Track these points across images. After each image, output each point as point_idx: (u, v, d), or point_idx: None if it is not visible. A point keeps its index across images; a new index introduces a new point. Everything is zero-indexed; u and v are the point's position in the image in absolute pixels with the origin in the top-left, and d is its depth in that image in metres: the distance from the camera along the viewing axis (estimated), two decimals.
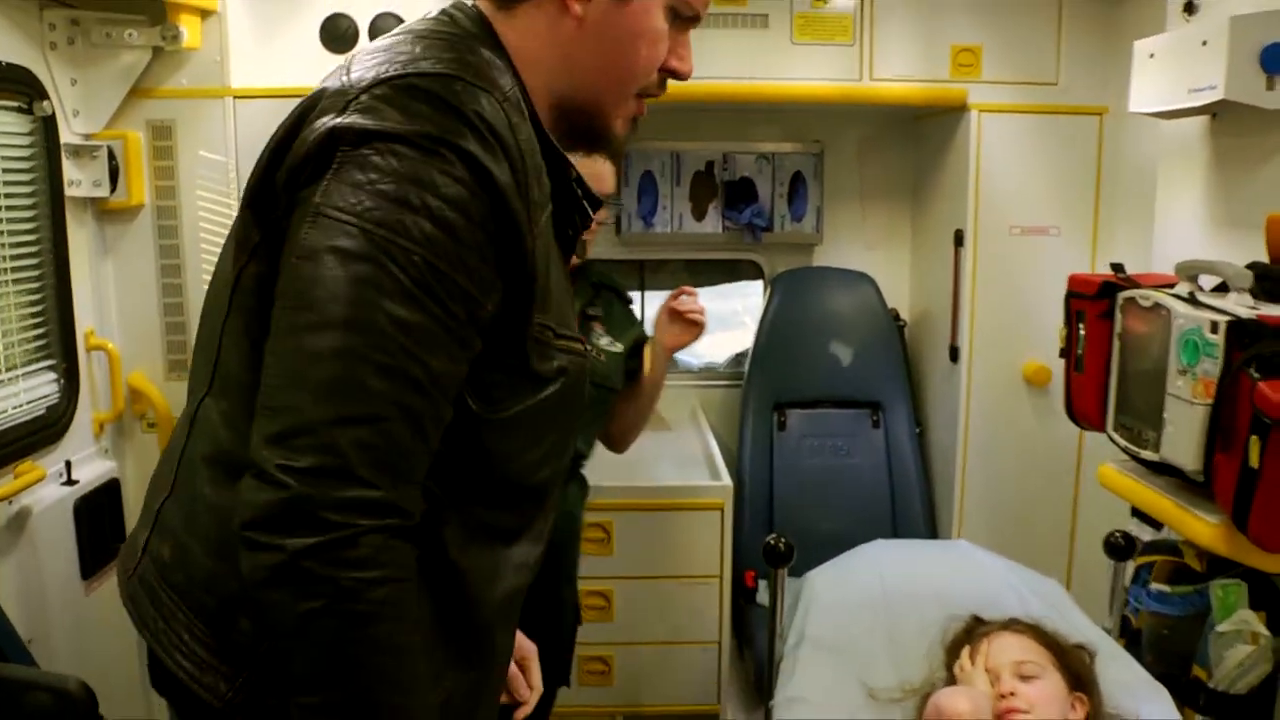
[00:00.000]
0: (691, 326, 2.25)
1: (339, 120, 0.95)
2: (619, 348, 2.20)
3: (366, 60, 1.01)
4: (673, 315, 2.25)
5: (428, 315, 0.92)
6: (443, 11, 1.12)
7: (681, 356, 5.24)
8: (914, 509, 3.39)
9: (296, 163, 0.97)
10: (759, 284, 3.82)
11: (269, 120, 1.08)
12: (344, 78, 1.00)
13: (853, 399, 3.51)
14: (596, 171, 1.93)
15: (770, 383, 3.54)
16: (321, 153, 0.95)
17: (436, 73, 0.97)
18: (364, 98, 0.95)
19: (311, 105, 1.00)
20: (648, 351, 2.29)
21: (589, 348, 1.18)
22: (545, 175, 1.05)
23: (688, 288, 2.28)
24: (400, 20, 2.71)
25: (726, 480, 2.81)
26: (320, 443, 0.88)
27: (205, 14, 2.60)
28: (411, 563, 0.94)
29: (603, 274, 2.35)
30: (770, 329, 3.57)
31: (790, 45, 3.08)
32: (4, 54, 2.25)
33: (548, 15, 1.10)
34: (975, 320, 3.23)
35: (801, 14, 3.06)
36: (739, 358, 3.93)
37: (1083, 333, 2.18)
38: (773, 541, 2.12)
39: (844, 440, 3.48)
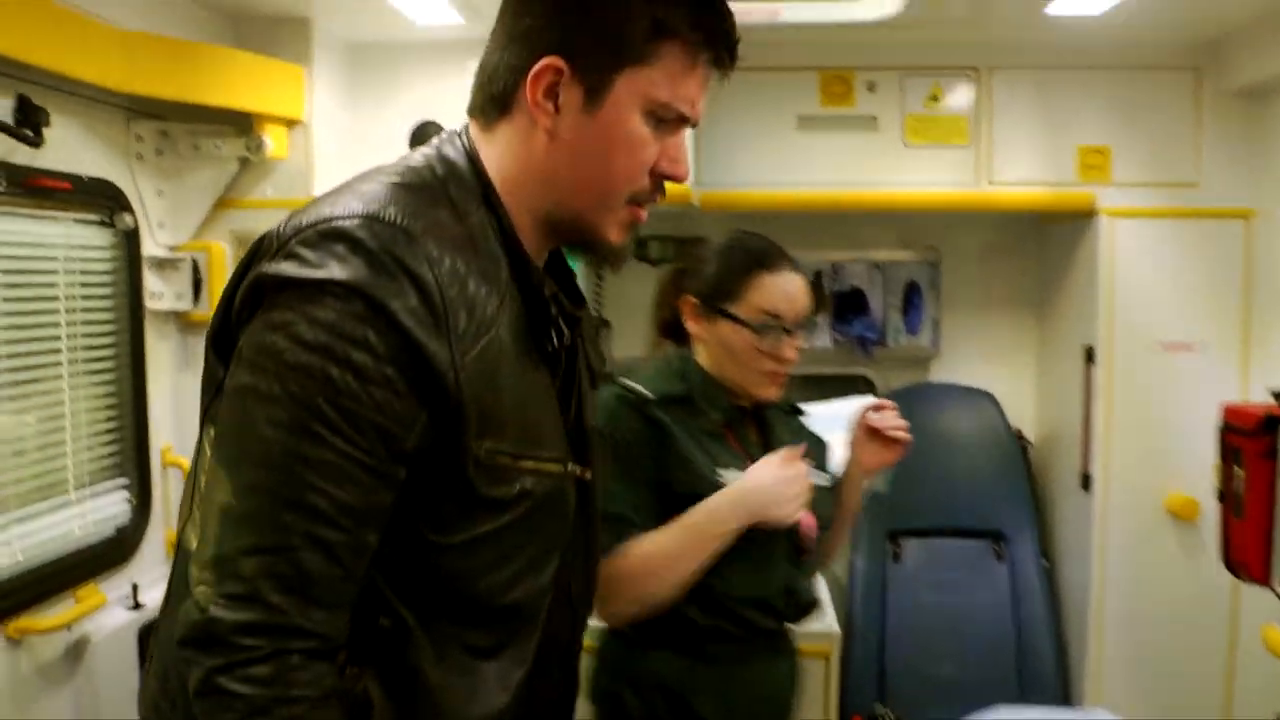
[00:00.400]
0: (893, 445, 1.89)
1: (266, 267, 0.99)
2: (826, 479, 1.86)
3: (317, 202, 1.05)
4: (871, 432, 1.90)
5: (336, 452, 0.95)
6: (436, 140, 1.14)
7: None
8: (1042, 657, 3.04)
9: (238, 305, 1.02)
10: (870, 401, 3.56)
11: None
12: (288, 221, 1.03)
13: (973, 528, 3.22)
14: (788, 290, 1.72)
15: (882, 510, 3.26)
16: (252, 297, 1.00)
17: (361, 215, 0.99)
18: (291, 243, 0.99)
19: (257, 249, 1.04)
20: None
21: (572, 467, 1.15)
22: (498, 298, 1.06)
23: (885, 400, 1.94)
24: None
25: (833, 625, 2.53)
26: (234, 571, 0.94)
27: (291, 124, 2.56)
28: (331, 683, 0.98)
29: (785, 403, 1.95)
30: None
31: (902, 148, 2.91)
32: (89, 167, 2.23)
33: (521, 133, 1.10)
34: (1110, 444, 2.93)
35: (914, 115, 2.89)
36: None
37: (1241, 473, 1.89)
38: (880, 715, 1.85)
39: (964, 574, 3.18)
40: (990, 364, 3.46)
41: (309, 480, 0.95)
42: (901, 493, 3.25)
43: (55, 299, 2.18)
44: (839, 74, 2.92)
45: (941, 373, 3.47)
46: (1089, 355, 2.95)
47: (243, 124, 2.48)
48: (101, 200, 2.28)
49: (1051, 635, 3.05)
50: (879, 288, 3.41)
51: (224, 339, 1.05)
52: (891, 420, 1.89)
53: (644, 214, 1.15)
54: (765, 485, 1.62)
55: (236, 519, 0.95)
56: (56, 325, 2.19)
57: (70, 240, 2.21)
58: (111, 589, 2.30)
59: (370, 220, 0.99)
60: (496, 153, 1.11)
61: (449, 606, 1.08)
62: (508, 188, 1.11)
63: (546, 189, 1.10)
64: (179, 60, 2.29)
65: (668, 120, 1.10)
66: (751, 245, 1.78)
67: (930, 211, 3.09)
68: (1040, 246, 3.41)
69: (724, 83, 1.16)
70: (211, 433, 1.02)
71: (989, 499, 3.23)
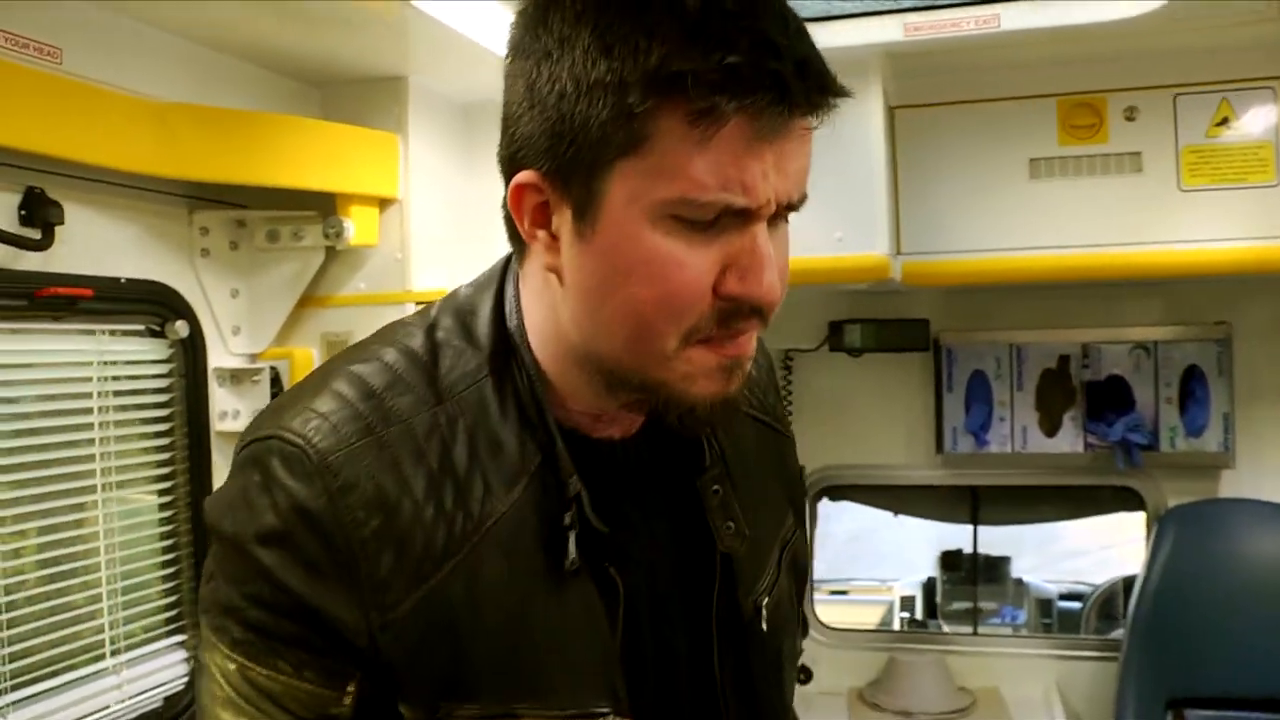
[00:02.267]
0: None
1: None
2: None
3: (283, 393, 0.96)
4: None
5: None
6: (493, 269, 0.96)
7: (1038, 584, 4.22)
8: None
9: None
10: (1138, 519, 2.78)
11: None
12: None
13: None
14: None
15: (1160, 667, 2.49)
16: None
17: (283, 440, 0.81)
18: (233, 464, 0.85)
19: None
20: None
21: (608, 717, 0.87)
22: (497, 494, 0.84)
23: None
24: None
25: None
26: None
27: (385, 203, 2.12)
28: None
29: None
30: (1158, 588, 2.53)
31: (1176, 193, 2.17)
32: (134, 267, 1.85)
33: (536, 274, 0.88)
34: None
35: (1193, 148, 2.15)
36: (1106, 609, 2.90)
37: None
38: None
39: None
40: None
41: None
42: (1186, 646, 2.48)
43: (89, 428, 1.80)
44: (1085, 100, 2.21)
45: (1237, 485, 2.64)
46: None
47: (328, 207, 2.07)
48: (147, 306, 1.89)
49: None
50: (1147, 376, 2.64)
51: None
52: None
53: (736, 349, 0.83)
54: None
55: None
56: (90, 460, 1.80)
57: (104, 357, 1.82)
58: None
59: (276, 441, 0.81)
60: (531, 305, 0.90)
61: None
62: (544, 344, 0.89)
63: (584, 342, 0.85)
64: (238, 135, 1.89)
65: (709, 221, 0.77)
66: None
67: (1216, 275, 2.29)
68: None
69: (825, 123, 0.78)
70: None
71: None
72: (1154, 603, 2.52)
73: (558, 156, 0.79)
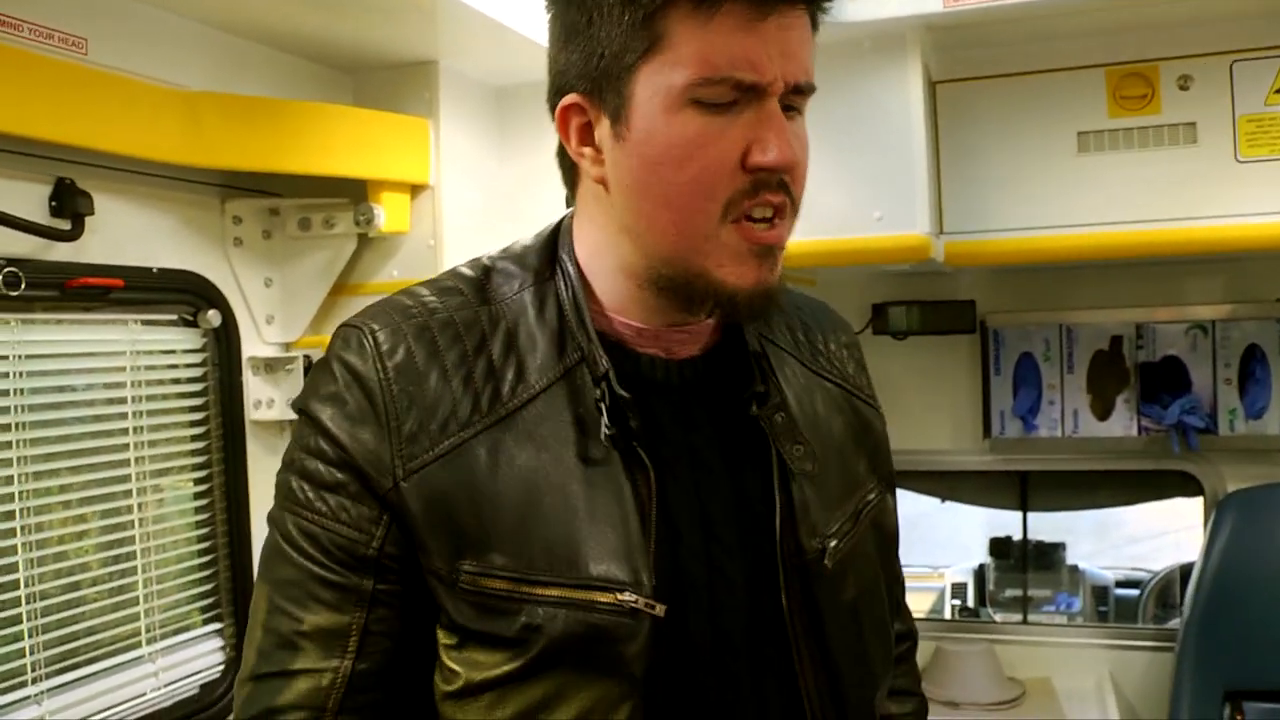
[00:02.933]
0: None
1: None
2: None
3: None
4: None
5: (297, 568, 0.92)
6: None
7: (1094, 571, 4.11)
8: None
9: None
10: (1195, 505, 2.68)
11: None
12: None
13: None
14: None
15: (1218, 658, 2.40)
16: None
17: (348, 325, 0.97)
18: None
19: None
20: None
21: (634, 599, 0.89)
22: (530, 385, 0.94)
23: None
24: None
25: None
26: (239, 698, 0.94)
27: (416, 190, 2.10)
28: None
29: None
30: (1217, 576, 2.44)
31: (1234, 164, 2.07)
32: (167, 257, 1.85)
33: (588, 195, 0.99)
34: None
35: (1250, 117, 2.05)
36: (1164, 597, 2.81)
37: None
38: None
39: None
40: None
41: (276, 603, 0.93)
42: (1245, 636, 2.39)
43: (122, 418, 1.80)
44: (1136, 69, 2.12)
45: None
46: None
47: (360, 194, 2.05)
48: (179, 295, 1.89)
49: None
50: (1204, 356, 2.54)
51: None
52: None
53: (766, 233, 0.91)
54: None
55: (245, 643, 0.96)
56: (124, 450, 1.80)
57: (137, 347, 1.83)
58: None
59: (348, 331, 0.96)
60: (582, 229, 1.01)
61: None
62: (591, 258, 0.99)
63: (632, 246, 0.95)
64: (268, 123, 1.88)
65: (726, 103, 0.88)
66: None
67: (1277, 250, 2.19)
68: None
69: (821, 21, 0.93)
70: None
71: None
72: (1211, 591, 2.43)
73: (591, 75, 0.91)
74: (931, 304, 2.65)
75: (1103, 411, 2.61)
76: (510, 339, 0.95)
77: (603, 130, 0.93)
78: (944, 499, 3.36)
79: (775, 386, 1.02)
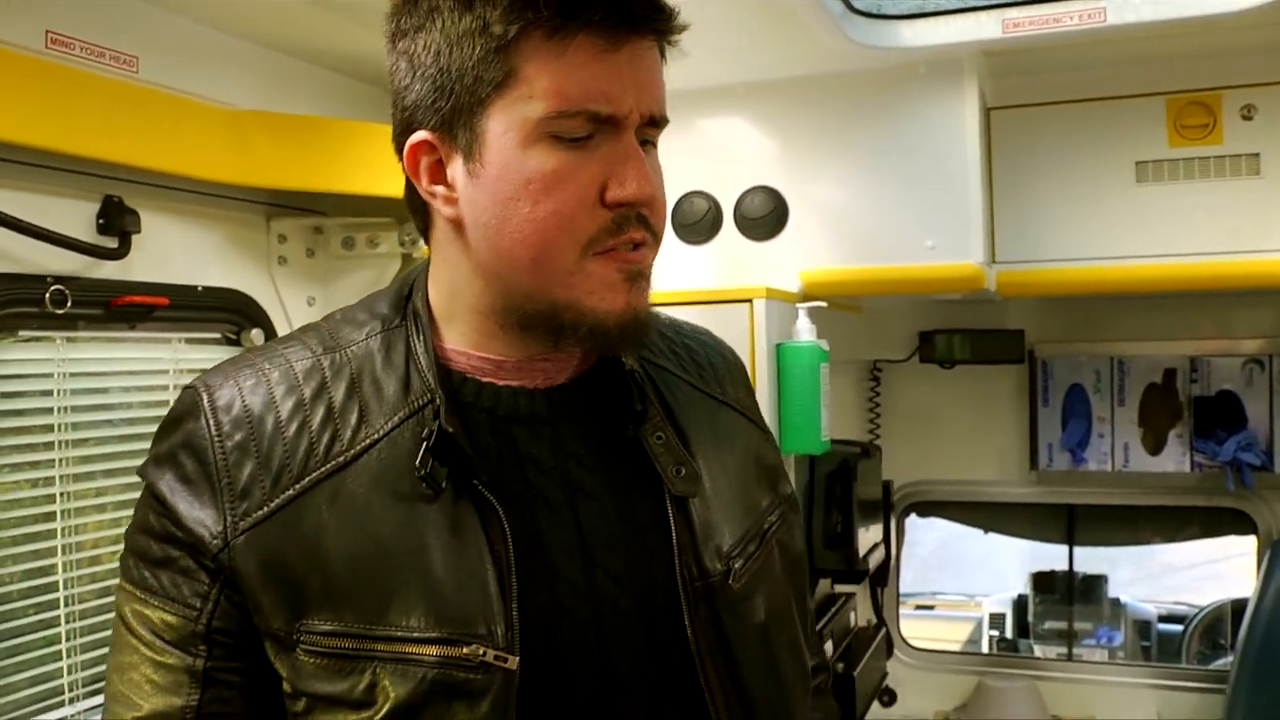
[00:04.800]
0: None
1: None
2: None
3: None
4: None
5: (135, 653, 0.89)
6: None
7: (1136, 604, 4.03)
8: None
9: None
10: (1248, 543, 2.62)
11: None
12: None
13: None
14: None
15: (1273, 703, 2.32)
16: None
17: (188, 386, 0.94)
18: None
19: None
20: None
21: (486, 653, 0.84)
22: (369, 431, 0.90)
23: None
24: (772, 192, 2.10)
25: None
26: None
27: None
28: None
29: None
30: (1272, 619, 2.36)
31: None
32: (211, 275, 1.84)
33: (441, 236, 0.94)
34: None
35: None
36: (1212, 634, 2.74)
37: None
38: None
39: None
40: None
41: (116, 688, 0.90)
42: None
43: None
44: (1198, 98, 2.08)
45: None
46: None
47: (404, 214, 2.03)
48: (223, 314, 1.88)
49: None
50: (1261, 391, 2.49)
51: None
52: None
53: (633, 253, 0.89)
54: None
55: None
56: None
57: (180, 365, 1.81)
58: None
59: (183, 389, 0.94)
60: (437, 271, 0.97)
61: None
62: (451, 302, 0.96)
63: (489, 285, 0.92)
64: (314, 141, 1.87)
65: (583, 137, 0.86)
66: None
67: None
68: None
69: (670, 44, 0.91)
70: None
71: None
72: (1265, 634, 2.36)
73: (441, 110, 0.88)
74: (980, 333, 2.61)
75: (1154, 446, 2.55)
76: (354, 385, 0.92)
77: (455, 168, 0.90)
78: (986, 530, 3.31)
79: (655, 407, 0.98)
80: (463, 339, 0.95)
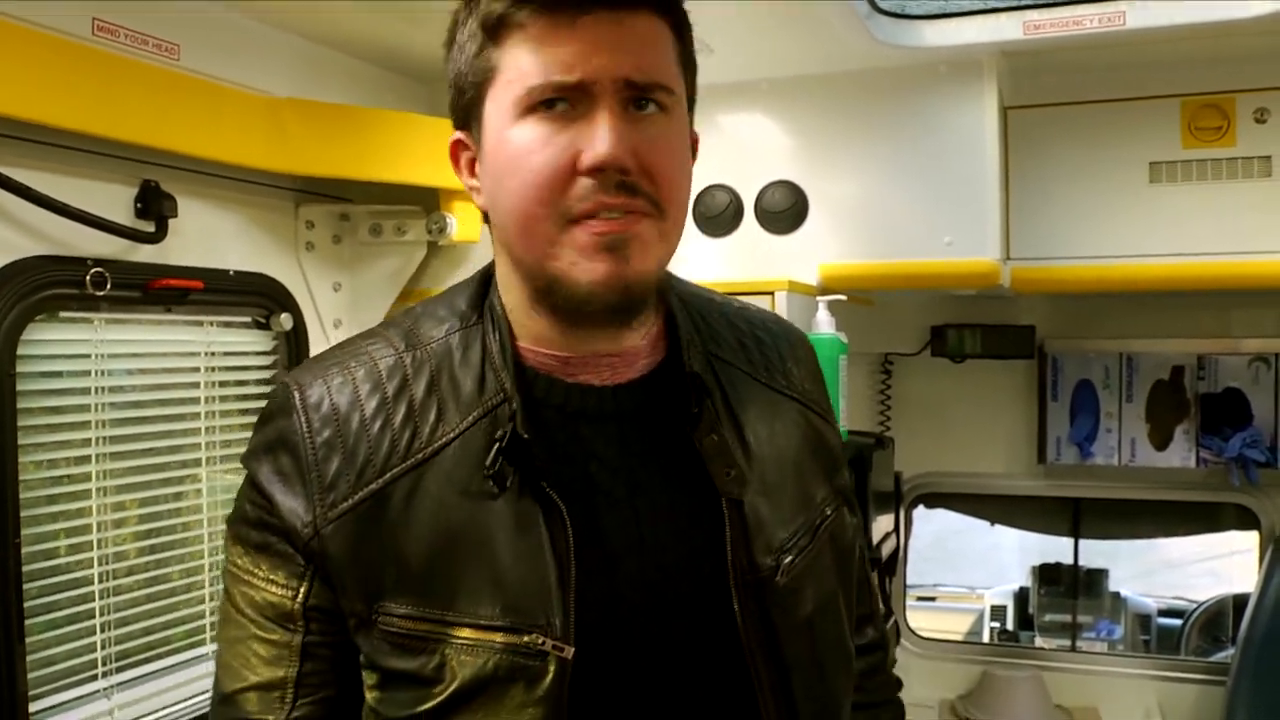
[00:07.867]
0: None
1: None
2: None
3: None
4: None
5: (239, 629, 0.98)
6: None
7: (1137, 598, 4.07)
8: None
9: None
10: (1249, 539, 2.66)
11: None
12: None
13: None
14: None
15: (1273, 699, 2.36)
16: None
17: (280, 381, 1.01)
18: None
19: None
20: None
21: (542, 641, 0.90)
22: (446, 428, 0.95)
23: None
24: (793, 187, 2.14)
25: None
26: None
27: None
28: None
29: None
30: (1274, 615, 2.40)
31: None
32: (240, 260, 1.88)
33: (489, 228, 1.01)
34: None
35: None
36: (1211, 629, 2.78)
37: None
38: None
39: None
40: None
41: (224, 660, 0.99)
42: None
43: (195, 417, 1.83)
44: (1212, 101, 2.11)
45: None
46: None
47: (432, 202, 2.07)
48: (253, 298, 1.92)
49: None
50: (1267, 389, 2.53)
51: None
52: None
53: (611, 222, 0.89)
54: None
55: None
56: (195, 449, 1.83)
57: (212, 348, 1.85)
58: None
59: (276, 385, 1.02)
60: (497, 266, 1.02)
61: None
62: (507, 296, 0.99)
63: (514, 270, 0.97)
64: (346, 129, 1.91)
65: (558, 111, 0.89)
66: None
67: None
68: None
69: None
70: None
71: None
72: (1268, 627, 2.41)
73: (460, 109, 0.97)
74: (991, 328, 2.64)
75: (1161, 441, 2.59)
76: (433, 382, 0.96)
77: (477, 161, 0.97)
78: (993, 522, 3.35)
79: (711, 408, 1.00)
80: (528, 333, 0.98)
